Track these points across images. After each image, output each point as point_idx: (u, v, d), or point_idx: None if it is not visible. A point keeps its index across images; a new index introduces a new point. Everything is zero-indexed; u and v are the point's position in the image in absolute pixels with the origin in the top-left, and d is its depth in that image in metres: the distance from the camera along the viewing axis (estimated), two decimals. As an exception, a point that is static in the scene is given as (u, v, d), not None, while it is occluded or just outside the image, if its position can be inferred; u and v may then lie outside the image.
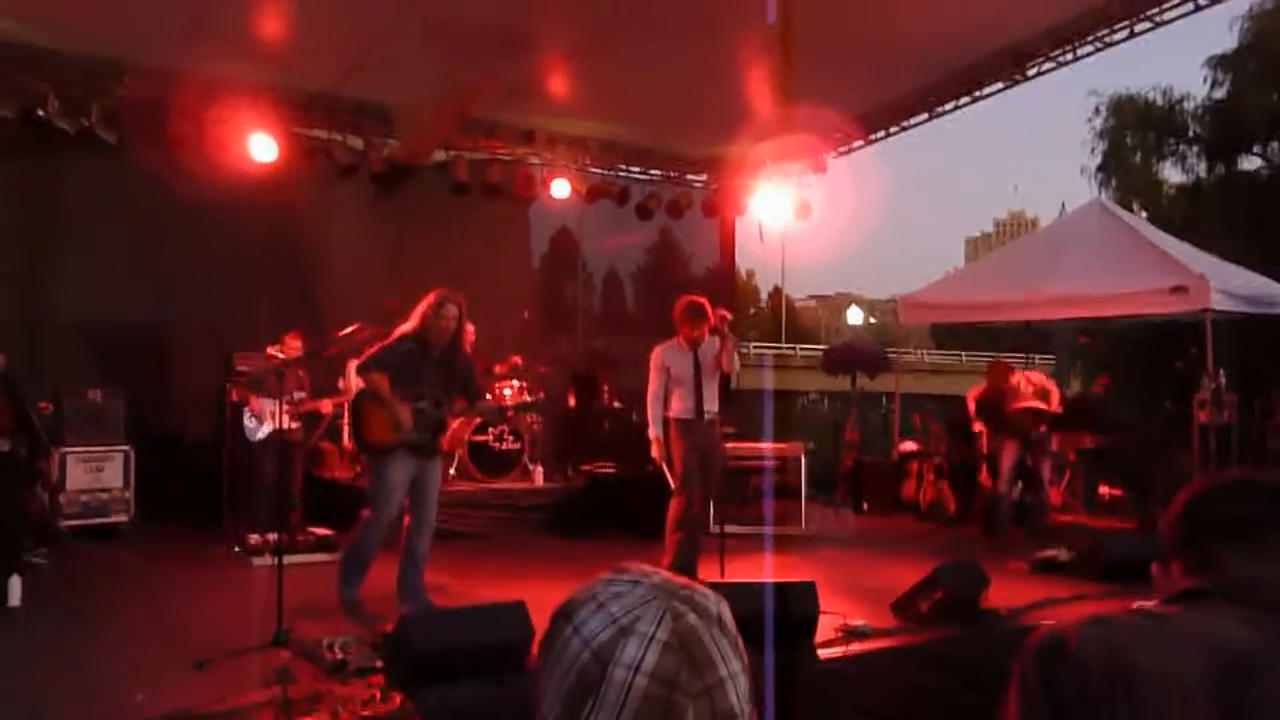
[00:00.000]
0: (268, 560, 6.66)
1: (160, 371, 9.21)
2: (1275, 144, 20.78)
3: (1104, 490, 10.97)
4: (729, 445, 7.82)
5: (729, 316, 6.65)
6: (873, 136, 10.65)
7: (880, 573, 6.90)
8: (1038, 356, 15.86)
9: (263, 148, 8.88)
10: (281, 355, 7.81)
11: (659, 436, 6.59)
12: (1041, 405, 8.70)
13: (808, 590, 5.01)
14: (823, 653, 4.96)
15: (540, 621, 1.00)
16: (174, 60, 8.07)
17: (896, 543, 8.78)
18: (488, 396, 6.84)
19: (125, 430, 8.36)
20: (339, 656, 4.48)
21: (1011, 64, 9.00)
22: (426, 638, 4.15)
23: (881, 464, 11.32)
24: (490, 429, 9.07)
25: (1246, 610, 1.34)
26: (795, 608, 4.82)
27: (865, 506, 10.84)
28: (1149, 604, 1.43)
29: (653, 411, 6.62)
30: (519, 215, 11.40)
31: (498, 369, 9.36)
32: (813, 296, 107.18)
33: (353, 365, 7.00)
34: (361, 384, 5.84)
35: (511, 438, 9.22)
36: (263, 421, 7.96)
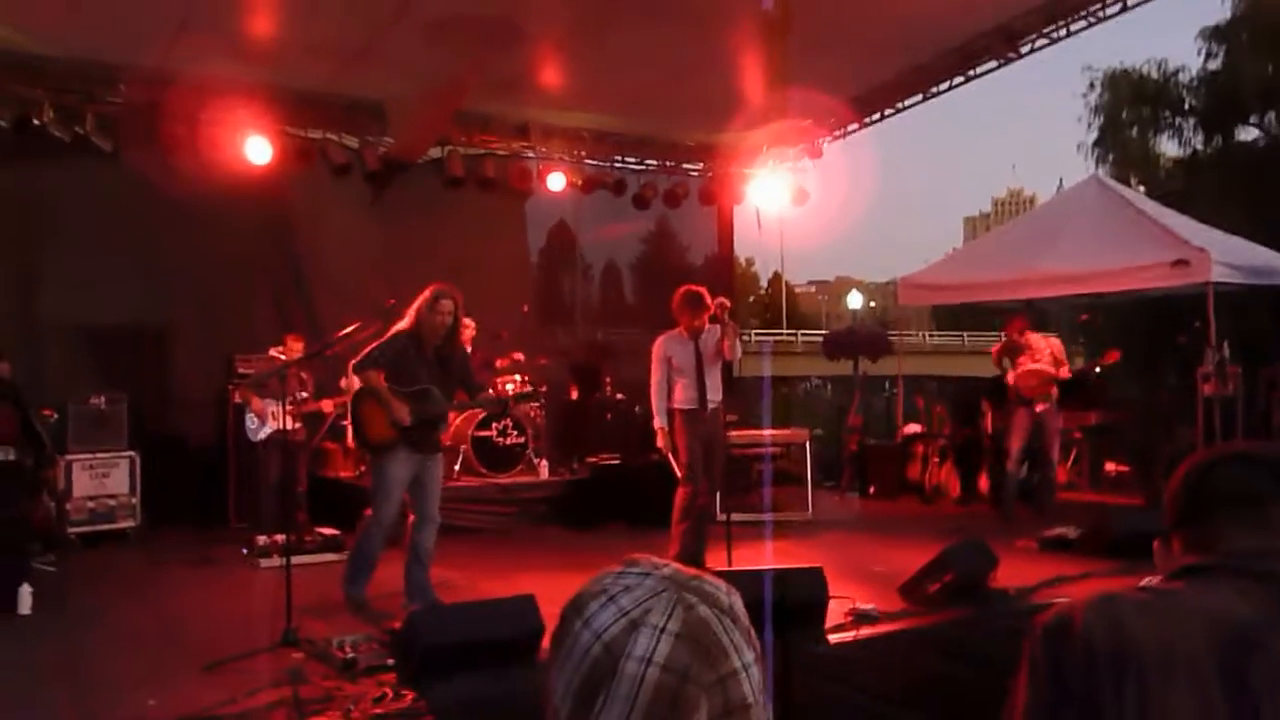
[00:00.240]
0: (275, 561, 6.68)
1: (162, 376, 9.22)
2: (1271, 114, 20.72)
3: (1110, 467, 10.97)
4: (733, 433, 7.82)
5: (729, 304, 6.64)
6: (867, 119, 10.60)
7: (887, 556, 6.90)
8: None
9: (258, 149, 8.88)
10: (284, 357, 7.82)
11: (664, 427, 6.59)
12: (1052, 370, 8.67)
13: (816, 575, 5.00)
14: (832, 638, 4.97)
15: (550, 614, 1.00)
16: (167, 63, 8.05)
17: (902, 525, 8.79)
18: (489, 391, 6.83)
19: (129, 436, 8.38)
20: (349, 655, 4.48)
21: (1004, 41, 8.95)
22: (436, 633, 4.15)
23: (886, 447, 11.33)
24: (494, 424, 9.06)
25: (1248, 583, 1.34)
26: (803, 593, 4.81)
27: (870, 490, 10.85)
28: (1153, 581, 1.43)
29: (656, 402, 6.61)
30: (515, 209, 11.38)
31: (499, 363, 9.36)
32: (812, 282, 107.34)
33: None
34: (359, 383, 5.84)
35: (515, 432, 9.21)
36: (264, 422, 7.98)
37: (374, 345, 5.72)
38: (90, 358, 8.76)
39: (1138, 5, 8.15)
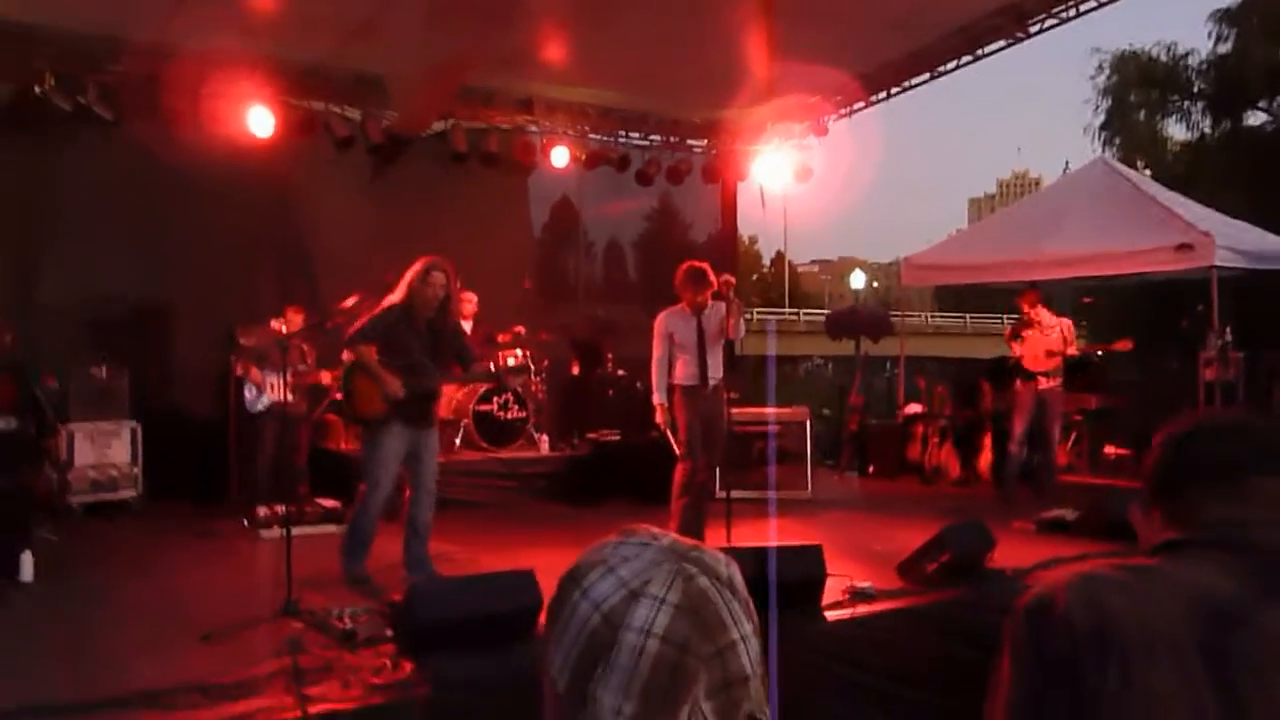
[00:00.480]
0: (276, 533, 6.70)
1: (164, 347, 9.21)
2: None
3: (1109, 450, 10.97)
4: (734, 411, 7.82)
5: (733, 282, 6.63)
6: (873, 98, 10.54)
7: (886, 535, 6.91)
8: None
9: (260, 121, 8.85)
10: (284, 329, 7.82)
11: (663, 403, 6.58)
12: (1060, 346, 8.64)
13: (814, 553, 5.02)
14: (829, 615, 4.99)
15: (549, 589, 1.00)
16: (169, 35, 8.00)
17: (902, 505, 8.81)
18: (491, 366, 6.82)
19: (131, 406, 8.38)
20: (348, 626, 4.50)
21: (1013, 21, 8.89)
22: (435, 606, 4.16)
23: (886, 427, 11.34)
24: (495, 398, 9.06)
25: (1227, 555, 1.33)
26: (802, 571, 4.83)
27: (870, 470, 10.88)
28: (1132, 558, 1.42)
29: (657, 378, 6.60)
30: (518, 184, 11.34)
31: (500, 338, 9.35)
32: (815, 261, 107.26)
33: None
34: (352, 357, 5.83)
35: (517, 407, 9.21)
36: (262, 393, 7.99)
37: (365, 319, 5.72)
38: (91, 329, 8.74)
39: (1147, -14, 8.09)
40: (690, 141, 11.84)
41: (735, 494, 6.75)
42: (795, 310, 53.32)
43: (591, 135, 10.99)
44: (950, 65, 9.69)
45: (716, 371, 6.61)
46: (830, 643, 4.81)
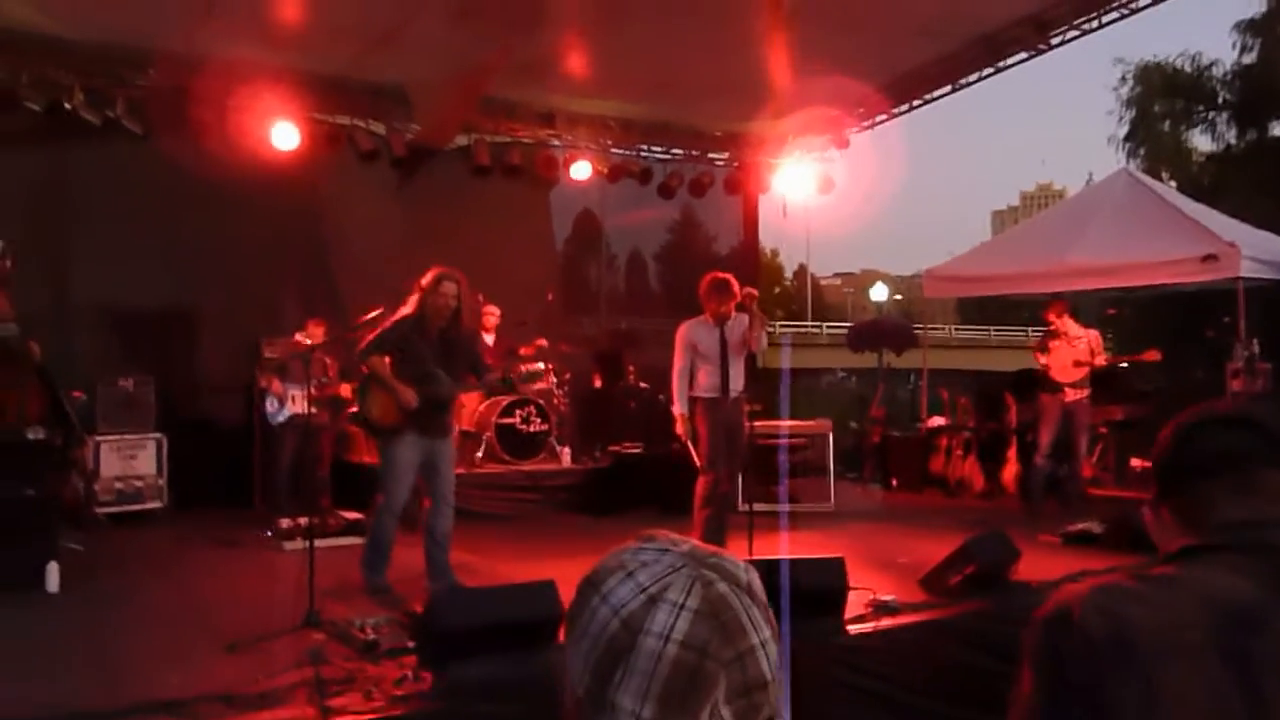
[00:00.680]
0: (299, 544, 6.72)
1: (189, 359, 9.29)
2: (1306, 109, 20.46)
3: (1136, 463, 10.85)
4: (757, 423, 7.80)
5: (756, 294, 6.63)
6: (896, 110, 10.53)
7: (909, 548, 6.86)
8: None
9: (285, 135, 8.94)
10: (307, 341, 7.87)
11: (684, 414, 6.58)
12: (1088, 358, 8.59)
13: (837, 566, 5.00)
14: (852, 628, 4.95)
15: (569, 600, 1.00)
16: (195, 47, 8.10)
17: (925, 518, 8.75)
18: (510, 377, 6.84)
19: (157, 418, 8.46)
20: (370, 637, 4.51)
21: (1035, 32, 8.86)
22: (457, 616, 4.17)
23: (909, 439, 11.28)
24: (517, 411, 9.08)
25: (1243, 558, 1.31)
26: (824, 583, 4.81)
27: (894, 482, 10.82)
28: (1149, 568, 1.40)
29: (678, 389, 6.60)
30: (541, 197, 11.39)
31: (523, 350, 9.38)
32: (838, 274, 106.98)
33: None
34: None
35: (539, 420, 9.22)
36: (284, 405, 8.05)
37: (378, 330, 5.74)
38: (119, 340, 8.84)
39: (1171, -3, 8.04)
40: (712, 154, 11.85)
41: (758, 506, 6.73)
42: (818, 323, 53.19)
43: (614, 148, 11.01)
44: (972, 77, 9.66)
45: (738, 383, 6.61)
46: (853, 655, 4.78)
